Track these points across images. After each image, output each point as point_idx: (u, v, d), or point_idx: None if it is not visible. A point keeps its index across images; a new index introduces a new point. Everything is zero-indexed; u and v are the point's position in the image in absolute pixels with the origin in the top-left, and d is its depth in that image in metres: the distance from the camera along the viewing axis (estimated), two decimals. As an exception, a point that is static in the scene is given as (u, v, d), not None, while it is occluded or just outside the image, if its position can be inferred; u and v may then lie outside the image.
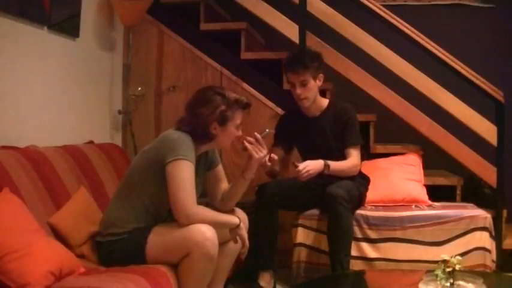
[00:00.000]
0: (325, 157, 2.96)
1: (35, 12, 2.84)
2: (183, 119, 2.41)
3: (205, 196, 2.60)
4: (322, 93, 3.31)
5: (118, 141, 3.80)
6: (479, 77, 3.50)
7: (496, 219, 3.33)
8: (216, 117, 2.36)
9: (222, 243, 2.36)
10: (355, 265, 2.99)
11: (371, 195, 3.23)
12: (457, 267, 1.98)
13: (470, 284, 2.02)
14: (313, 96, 3.06)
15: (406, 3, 4.48)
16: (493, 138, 3.53)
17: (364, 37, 3.71)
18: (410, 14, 4.14)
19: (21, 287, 1.79)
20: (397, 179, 3.36)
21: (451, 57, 3.52)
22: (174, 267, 2.24)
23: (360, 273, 2.87)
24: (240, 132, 2.46)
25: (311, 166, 2.88)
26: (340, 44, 3.76)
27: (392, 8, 3.82)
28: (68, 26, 3.17)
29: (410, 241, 3.03)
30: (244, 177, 2.50)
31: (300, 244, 3.08)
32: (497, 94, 3.50)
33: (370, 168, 3.30)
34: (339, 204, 2.83)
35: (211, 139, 2.40)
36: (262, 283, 2.98)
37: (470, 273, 2.17)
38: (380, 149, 3.74)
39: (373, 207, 3.20)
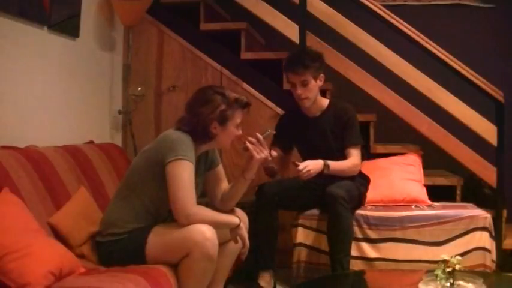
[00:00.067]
0: (325, 157, 2.96)
1: (35, 12, 2.84)
2: (183, 119, 2.41)
3: (205, 196, 2.60)
4: (322, 93, 3.31)
5: (118, 141, 3.80)
6: (479, 77, 3.50)
7: (496, 219, 3.33)
8: (216, 116, 2.36)
9: (222, 243, 2.36)
10: (355, 265, 2.99)
11: (371, 195, 3.23)
12: (457, 267, 1.98)
13: (470, 284, 2.02)
14: (314, 96, 3.06)
15: (406, 3, 4.48)
16: (493, 138, 3.53)
17: (364, 37, 3.71)
18: (410, 14, 4.14)
19: (21, 287, 1.79)
20: (397, 179, 3.36)
21: (451, 57, 3.52)
22: (174, 267, 2.24)
23: (360, 273, 2.87)
24: (240, 132, 2.46)
25: (311, 166, 2.88)
26: (340, 44, 3.76)
27: (392, 8, 3.82)
28: (68, 26, 3.17)
29: (410, 241, 3.03)
30: (245, 177, 2.50)
31: (300, 244, 3.08)
32: (497, 94, 3.50)
33: (370, 168, 3.30)
34: (338, 204, 2.83)
35: (211, 138, 2.40)
36: (262, 283, 2.98)
37: (470, 273, 2.17)
38: (380, 149, 3.74)
39: (373, 207, 3.20)
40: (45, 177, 2.40)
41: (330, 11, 3.74)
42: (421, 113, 3.69)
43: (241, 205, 2.64)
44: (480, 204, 3.34)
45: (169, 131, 2.41)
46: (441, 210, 3.13)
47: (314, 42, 3.62)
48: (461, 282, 2.02)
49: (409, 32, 3.53)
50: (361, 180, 3.16)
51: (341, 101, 3.22)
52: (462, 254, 2.83)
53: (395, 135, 3.95)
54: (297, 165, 2.86)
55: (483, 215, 3.07)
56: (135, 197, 2.34)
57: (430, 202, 3.30)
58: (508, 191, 3.59)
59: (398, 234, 3.04)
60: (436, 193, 3.42)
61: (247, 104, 2.46)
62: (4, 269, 1.80)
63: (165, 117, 3.83)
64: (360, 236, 3.05)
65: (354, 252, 2.97)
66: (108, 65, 3.74)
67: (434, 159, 3.73)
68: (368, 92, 3.68)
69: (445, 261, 2.00)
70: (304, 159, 2.97)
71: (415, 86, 3.65)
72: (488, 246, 3.03)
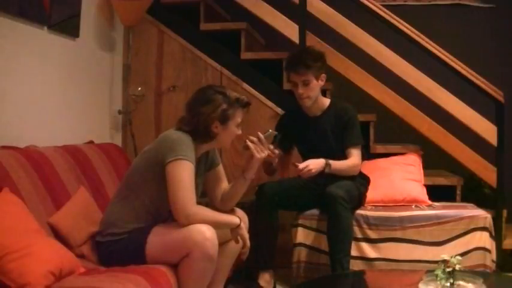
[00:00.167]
0: (325, 157, 2.96)
1: (35, 12, 2.84)
2: (183, 119, 2.41)
3: (205, 196, 2.60)
4: (322, 93, 3.31)
5: (118, 141, 3.80)
6: (479, 77, 3.50)
7: (496, 219, 3.34)
8: (217, 115, 2.36)
9: (222, 243, 2.37)
10: (355, 265, 2.99)
11: (371, 195, 3.23)
12: (457, 267, 1.98)
13: (470, 284, 2.02)
14: (315, 95, 3.06)
15: (406, 3, 4.48)
16: (493, 138, 3.53)
17: (364, 37, 3.71)
18: (411, 14, 4.14)
19: (21, 287, 1.79)
20: (397, 179, 3.36)
21: (451, 57, 3.52)
22: (174, 267, 2.24)
23: (360, 273, 2.87)
24: (240, 132, 2.46)
25: (313, 165, 2.88)
26: (340, 44, 3.76)
27: (392, 8, 3.82)
28: (68, 26, 3.17)
29: (410, 241, 3.02)
30: (245, 177, 2.50)
31: (300, 244, 3.08)
32: (497, 94, 3.50)
33: (370, 168, 3.30)
34: (338, 204, 2.83)
35: (212, 138, 2.40)
36: (262, 283, 2.99)
37: (470, 273, 2.16)
38: (380, 149, 3.74)
39: (373, 207, 3.20)
40: (45, 177, 2.40)
41: (330, 11, 3.74)
42: (421, 113, 3.69)
43: (241, 205, 2.64)
44: (480, 204, 3.34)
45: (169, 131, 2.41)
46: (441, 210, 3.13)
47: (314, 42, 3.62)
48: (461, 282, 2.02)
49: (409, 32, 3.53)
50: (361, 180, 3.16)
51: (342, 101, 3.22)
52: (462, 254, 2.83)
53: (395, 135, 3.95)
54: (296, 166, 2.86)
55: (483, 215, 3.07)
56: (135, 197, 2.34)
57: (430, 202, 3.30)
58: (508, 191, 3.59)
59: (398, 234, 3.04)
60: (436, 193, 3.42)
61: (248, 104, 2.46)
62: (4, 269, 1.80)
63: (165, 117, 3.84)
64: (360, 236, 3.04)
65: (354, 252, 2.97)
66: (108, 65, 3.74)
67: (434, 159, 3.73)
68: (368, 92, 3.68)
69: (445, 261, 2.00)
70: (304, 159, 2.97)
71: (415, 86, 3.65)
72: (488, 246, 3.03)
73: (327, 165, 2.92)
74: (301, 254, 3.08)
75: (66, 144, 2.84)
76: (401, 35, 3.56)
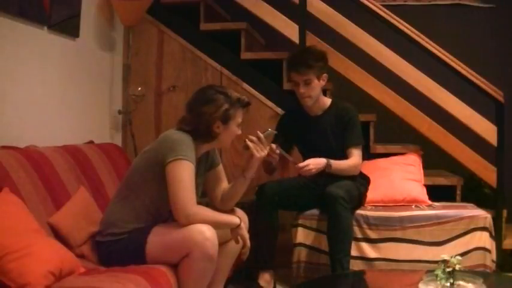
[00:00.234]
0: (325, 157, 2.96)
1: (35, 12, 2.84)
2: (184, 119, 2.41)
3: (205, 196, 2.60)
4: (322, 93, 3.31)
5: (118, 141, 3.80)
6: (479, 77, 3.50)
7: (496, 219, 3.34)
8: (219, 115, 2.36)
9: (222, 243, 2.37)
10: (355, 265, 2.99)
11: (371, 195, 3.23)
12: (457, 267, 1.98)
13: (470, 284, 2.02)
14: (316, 95, 3.07)
15: (406, 3, 4.48)
16: (493, 138, 3.53)
17: (364, 37, 3.71)
18: (411, 14, 4.14)
19: (21, 287, 1.79)
20: (397, 179, 3.36)
21: (451, 57, 3.52)
22: (174, 267, 2.24)
23: (360, 273, 2.87)
24: (240, 131, 2.46)
25: (313, 164, 2.88)
26: (340, 44, 3.76)
27: (392, 8, 3.82)
28: (68, 26, 3.17)
29: (410, 241, 3.02)
30: (245, 176, 2.50)
31: (300, 244, 3.08)
32: (497, 94, 3.50)
33: (370, 168, 3.30)
34: (338, 204, 2.83)
35: (214, 138, 2.40)
36: (262, 283, 2.99)
37: (470, 273, 2.16)
38: (380, 149, 3.74)
39: (373, 207, 3.20)
40: (45, 177, 2.40)
41: (330, 11, 3.74)
42: (421, 113, 3.69)
43: (241, 205, 2.64)
44: (480, 204, 3.34)
45: (170, 131, 2.41)
46: (441, 210, 3.13)
47: (314, 42, 3.62)
48: (461, 282, 2.02)
49: (409, 32, 3.53)
50: (361, 180, 3.16)
51: (343, 101, 3.22)
52: (462, 254, 2.83)
53: (395, 135, 3.95)
54: (296, 163, 2.87)
55: (483, 215, 3.07)
56: (136, 197, 2.34)
57: (430, 202, 3.30)
58: (508, 191, 3.59)
59: (398, 234, 3.04)
60: (436, 193, 3.42)
61: (248, 104, 2.47)
62: (4, 269, 1.80)
63: (165, 117, 3.83)
64: (360, 236, 3.04)
65: (354, 252, 2.97)
66: (108, 65, 3.74)
67: (434, 159, 3.73)
68: (368, 92, 3.68)
69: (445, 261, 2.00)
70: (304, 159, 2.97)
71: (415, 86, 3.65)
72: (488, 246, 3.03)
73: (328, 164, 2.93)
74: (301, 254, 3.08)
75: (66, 144, 2.84)
76: (401, 35, 3.56)
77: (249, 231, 2.50)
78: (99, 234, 2.37)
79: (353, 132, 3.08)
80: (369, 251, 3.04)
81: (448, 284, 1.99)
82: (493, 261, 3.04)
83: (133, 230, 2.30)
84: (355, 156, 3.05)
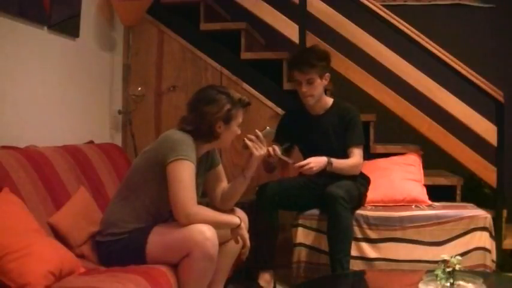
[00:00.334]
0: (326, 156, 2.95)
1: (35, 12, 2.84)
2: (186, 118, 2.40)
3: (205, 196, 2.60)
4: (323, 92, 3.31)
5: (118, 141, 3.80)
6: (479, 77, 3.50)
7: (496, 219, 3.34)
8: (222, 116, 2.36)
9: (222, 243, 2.37)
10: (355, 265, 2.99)
11: (371, 195, 3.23)
12: (457, 267, 1.98)
13: (470, 284, 2.02)
14: (319, 94, 3.07)
15: (406, 3, 4.48)
16: (493, 138, 3.53)
17: (364, 37, 3.71)
18: (411, 14, 4.14)
19: (21, 287, 1.79)
20: (397, 179, 3.36)
21: (451, 57, 3.52)
22: (174, 267, 2.24)
23: (360, 273, 2.87)
24: (239, 131, 2.47)
25: (314, 163, 2.88)
26: (340, 44, 3.76)
27: (392, 8, 3.82)
28: (68, 26, 3.17)
29: (410, 241, 3.02)
30: (245, 175, 2.50)
31: (300, 244, 3.08)
32: (497, 94, 3.50)
33: (370, 168, 3.30)
34: (338, 204, 2.83)
35: (215, 138, 2.40)
36: (262, 283, 2.99)
37: (470, 273, 2.16)
38: (380, 149, 3.74)
39: (373, 207, 3.20)
40: (45, 177, 2.40)
41: (330, 11, 3.74)
42: (421, 113, 3.69)
43: (241, 205, 2.65)
44: (480, 204, 3.34)
45: (170, 131, 2.41)
46: (441, 210, 3.13)
47: (314, 42, 3.61)
48: (461, 282, 2.02)
49: (409, 32, 3.53)
50: (362, 181, 3.16)
51: (345, 101, 3.22)
52: (462, 254, 2.83)
53: (395, 135, 3.95)
54: (294, 163, 2.87)
55: (483, 215, 3.07)
56: (136, 197, 2.34)
57: (430, 202, 3.30)
58: (508, 191, 3.59)
59: (398, 234, 3.04)
60: (436, 193, 3.42)
61: (249, 104, 2.48)
62: (4, 269, 1.80)
63: (165, 117, 3.83)
64: (360, 236, 3.04)
65: (354, 252, 2.97)
66: (108, 65, 3.74)
67: (434, 159, 3.73)
68: (368, 92, 3.68)
69: (445, 261, 2.00)
70: (305, 158, 2.97)
71: (415, 86, 3.65)
72: (488, 246, 3.03)
73: (329, 163, 2.93)
74: (301, 254, 3.08)
75: (66, 144, 2.84)
76: (401, 35, 3.56)
77: (249, 231, 2.50)
78: (99, 234, 2.37)
79: (354, 132, 3.08)
80: (369, 251, 3.04)
81: (448, 284, 1.99)
82: (493, 261, 3.04)
83: (134, 230, 2.30)
84: (356, 156, 3.05)
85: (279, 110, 3.67)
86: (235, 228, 2.38)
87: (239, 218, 2.39)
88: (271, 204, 2.99)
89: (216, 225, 2.24)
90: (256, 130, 2.47)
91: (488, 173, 3.56)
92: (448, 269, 1.99)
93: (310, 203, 3.10)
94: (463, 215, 3.06)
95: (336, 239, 2.87)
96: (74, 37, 3.26)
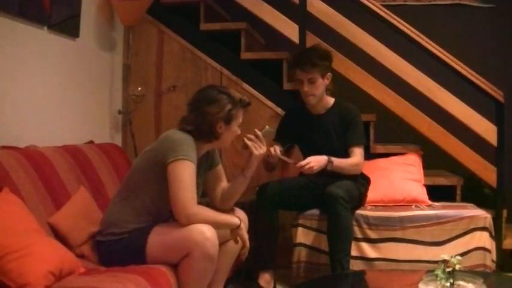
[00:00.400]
0: (327, 155, 2.95)
1: (35, 12, 2.84)
2: (186, 119, 2.40)
3: (205, 196, 2.60)
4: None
5: (118, 141, 3.80)
6: (479, 77, 3.50)
7: (496, 219, 3.34)
8: (223, 116, 2.36)
9: (222, 243, 2.37)
10: (355, 265, 2.99)
11: (371, 195, 3.23)
12: (457, 267, 1.98)
13: (470, 284, 2.02)
14: (320, 93, 3.07)
15: (406, 3, 4.48)
16: (493, 138, 3.53)
17: (364, 37, 3.71)
18: (411, 14, 4.14)
19: (21, 287, 1.79)
20: (397, 179, 3.36)
21: (451, 57, 3.52)
22: (174, 267, 2.24)
23: (360, 273, 2.87)
24: (239, 131, 2.47)
25: (314, 162, 2.88)
26: (340, 44, 3.76)
27: (392, 8, 3.82)
28: (68, 26, 3.17)
29: (410, 241, 3.02)
30: (244, 175, 2.50)
31: (300, 244, 3.08)
32: (497, 94, 3.50)
33: (370, 168, 3.30)
34: (338, 204, 2.83)
35: (216, 138, 2.40)
36: (262, 283, 2.99)
37: (470, 273, 2.16)
38: (380, 149, 3.74)
39: (373, 207, 3.20)
40: (45, 177, 2.40)
41: (330, 11, 3.74)
42: (421, 113, 3.69)
43: (241, 205, 2.65)
44: (480, 204, 3.34)
45: (171, 131, 2.41)
46: (441, 210, 3.13)
47: (314, 42, 3.61)
48: (461, 282, 2.02)
49: (409, 32, 3.53)
50: (362, 181, 3.16)
51: (346, 101, 3.22)
52: (462, 254, 2.83)
53: (395, 135, 3.95)
54: (296, 163, 2.87)
55: (483, 215, 3.07)
56: (136, 197, 2.34)
57: (430, 202, 3.30)
58: (508, 191, 3.59)
59: (398, 234, 3.04)
60: (436, 193, 3.42)
61: (249, 104, 2.48)
62: (4, 269, 1.80)
63: (165, 117, 3.83)
64: (360, 236, 3.04)
65: (354, 252, 2.97)
66: (108, 65, 3.74)
67: (434, 159, 3.73)
68: (368, 92, 3.68)
69: (445, 261, 2.00)
70: (305, 158, 2.96)
71: (415, 86, 3.65)
72: (488, 246, 3.03)
73: (329, 162, 2.92)
74: (301, 254, 3.08)
75: (66, 144, 2.84)
76: (401, 35, 3.56)
77: (249, 231, 2.50)
78: (99, 234, 2.37)
79: (355, 132, 3.09)
80: (369, 251, 3.04)
81: (448, 284, 1.99)
82: (493, 261, 3.04)
83: (134, 230, 2.30)
84: (357, 156, 3.05)
85: (279, 110, 3.67)
86: (234, 229, 2.38)
87: (239, 219, 2.39)
88: (271, 204, 2.99)
89: (216, 225, 2.24)
90: (256, 129, 2.47)
91: (488, 173, 3.56)
92: (448, 269, 1.99)
93: (310, 203, 3.10)
94: (463, 215, 3.06)
95: (336, 239, 2.87)
96: (74, 37, 3.26)
